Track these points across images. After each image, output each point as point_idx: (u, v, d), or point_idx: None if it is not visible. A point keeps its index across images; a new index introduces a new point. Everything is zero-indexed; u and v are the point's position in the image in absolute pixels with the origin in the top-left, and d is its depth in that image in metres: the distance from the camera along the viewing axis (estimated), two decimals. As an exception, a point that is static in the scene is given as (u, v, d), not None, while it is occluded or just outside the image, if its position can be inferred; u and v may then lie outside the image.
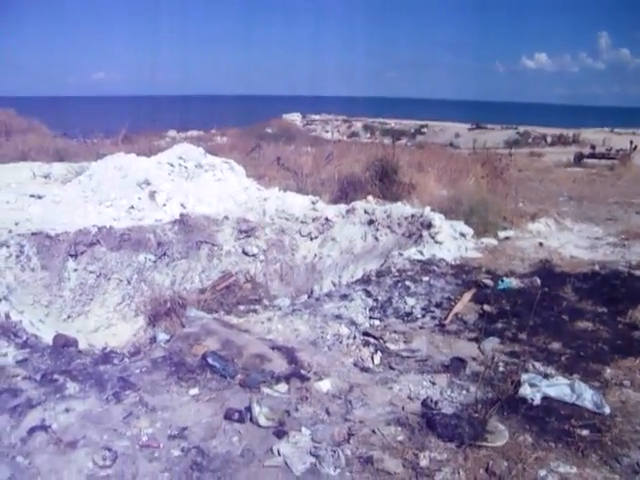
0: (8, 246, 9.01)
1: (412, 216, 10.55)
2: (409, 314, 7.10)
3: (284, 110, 47.70)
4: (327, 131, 40.97)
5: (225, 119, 40.87)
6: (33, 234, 9.31)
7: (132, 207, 10.82)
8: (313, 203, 11.51)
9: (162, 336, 6.37)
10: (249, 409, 4.72)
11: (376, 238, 10.65)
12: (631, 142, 24.01)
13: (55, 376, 5.25)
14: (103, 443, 4.34)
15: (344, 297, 7.41)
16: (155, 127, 30.88)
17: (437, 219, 10.04)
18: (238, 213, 11.04)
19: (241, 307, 7.40)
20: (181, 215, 10.52)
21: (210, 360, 5.47)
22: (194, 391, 5.09)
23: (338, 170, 14.23)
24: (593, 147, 25.03)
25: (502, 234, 10.62)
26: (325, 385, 5.26)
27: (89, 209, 10.72)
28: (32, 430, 4.43)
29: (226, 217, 10.82)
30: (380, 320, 6.90)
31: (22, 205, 11.05)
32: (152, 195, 11.27)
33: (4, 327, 7.81)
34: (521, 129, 40.84)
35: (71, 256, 9.43)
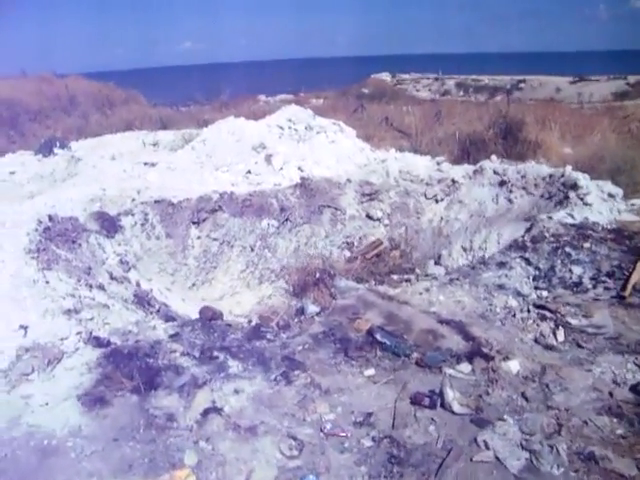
0: (133, 214, 8.86)
1: (550, 176, 9.61)
2: (578, 284, 6.34)
3: (372, 71, 46.46)
4: (418, 90, 39.62)
5: (312, 82, 40.28)
6: (156, 202, 9.11)
7: (249, 171, 10.43)
8: (438, 164, 10.76)
9: (312, 308, 5.93)
10: (440, 393, 4.19)
11: (510, 200, 9.80)
12: None
13: (215, 353, 4.90)
14: (285, 430, 3.94)
15: (502, 265, 6.70)
16: (245, 93, 30.57)
17: (582, 179, 9.09)
18: (360, 176, 10.44)
19: (394, 276, 6.81)
20: (302, 178, 10.05)
21: (379, 336, 4.97)
22: (369, 372, 4.60)
23: (458, 128, 13.34)
24: None
25: (654, 195, 9.54)
26: (514, 365, 4.66)
27: (205, 175, 10.41)
28: (206, 412, 4.09)
29: (348, 180, 10.26)
30: (547, 291, 6.18)
31: (139, 173, 10.91)
32: (268, 159, 10.84)
33: (139, 296, 7.67)
34: (631, 79, 37.59)
35: (194, 223, 9.19)
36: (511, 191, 9.88)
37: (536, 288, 6.25)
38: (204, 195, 9.35)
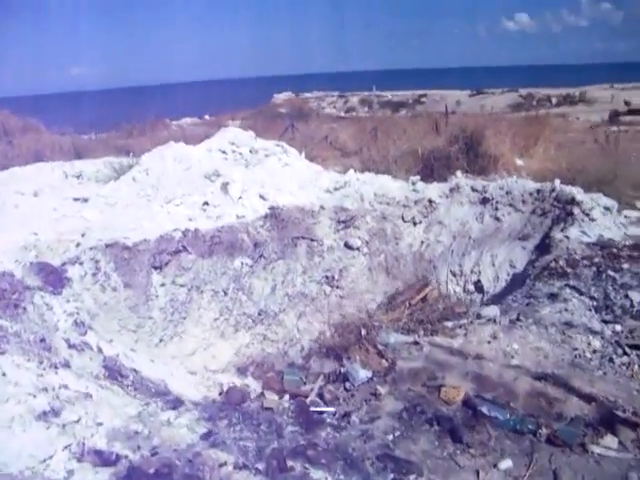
0: (81, 263, 7.29)
1: (538, 191, 9.04)
2: (644, 313, 5.61)
3: (273, 90, 45.54)
4: (323, 107, 39.17)
5: (214, 104, 38.92)
6: (107, 246, 7.58)
7: (206, 203, 9.08)
8: (413, 183, 9.90)
9: (363, 373, 4.75)
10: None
11: (497, 219, 9.13)
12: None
13: (289, 463, 3.58)
14: None
15: (553, 297, 5.85)
16: (147, 118, 28.31)
17: (577, 193, 8.56)
18: (333, 201, 9.36)
19: (448, 324, 5.73)
20: (271, 208, 8.84)
21: (485, 410, 3.90)
22: (505, 464, 3.51)
23: (420, 144, 12.58)
24: (627, 103, 23.61)
25: (644, 205, 9.20)
26: (667, 435, 3.75)
27: (155, 209, 8.90)
28: None
29: (322, 207, 9.16)
30: (618, 324, 5.38)
31: (72, 211, 9.26)
32: (224, 188, 9.53)
33: (108, 367, 6.17)
34: (522, 91, 39.33)
35: (155, 268, 7.75)
36: (497, 209, 9.22)
37: (604, 322, 5.45)
38: (164, 234, 7.92)
